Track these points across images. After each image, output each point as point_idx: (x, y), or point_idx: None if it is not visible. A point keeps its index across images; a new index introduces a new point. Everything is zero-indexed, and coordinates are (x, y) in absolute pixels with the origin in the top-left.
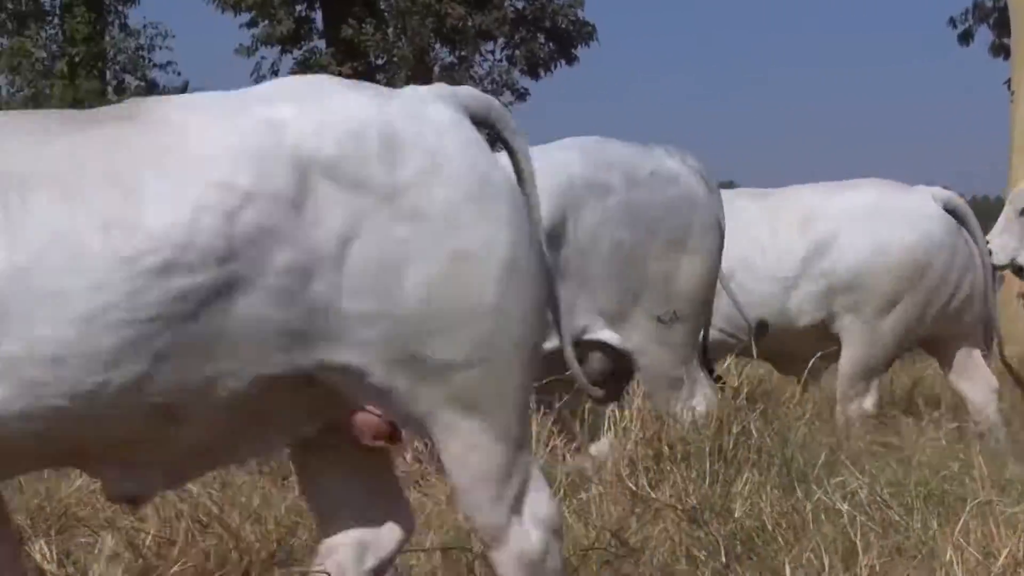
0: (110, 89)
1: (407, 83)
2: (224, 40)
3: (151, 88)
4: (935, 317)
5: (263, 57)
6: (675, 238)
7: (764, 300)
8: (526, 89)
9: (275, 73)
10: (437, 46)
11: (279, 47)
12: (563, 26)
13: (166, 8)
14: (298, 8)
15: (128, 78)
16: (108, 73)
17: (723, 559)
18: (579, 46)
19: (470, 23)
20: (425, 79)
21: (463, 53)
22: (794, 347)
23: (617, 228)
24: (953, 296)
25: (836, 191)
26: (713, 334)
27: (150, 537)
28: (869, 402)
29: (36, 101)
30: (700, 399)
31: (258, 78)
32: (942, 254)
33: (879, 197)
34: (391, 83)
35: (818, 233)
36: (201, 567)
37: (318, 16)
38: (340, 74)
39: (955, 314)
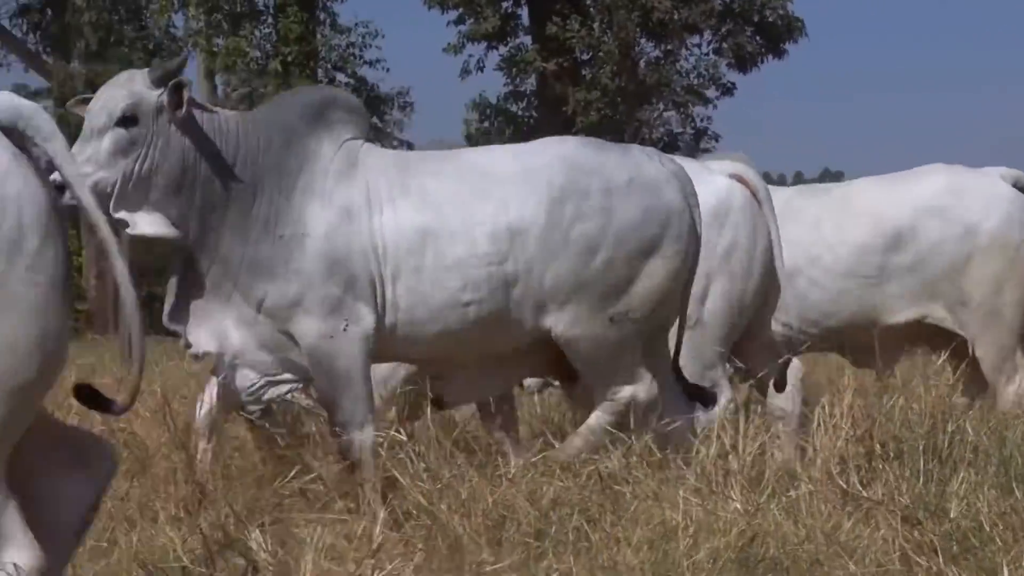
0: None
1: (612, 78)
2: (432, 37)
3: (361, 85)
4: None
5: (470, 55)
6: (645, 246)
7: (839, 296)
8: (733, 83)
9: (480, 70)
10: (643, 40)
11: (485, 44)
12: (771, 20)
13: (374, 5)
14: (504, 5)
15: (339, 76)
16: (320, 71)
17: (939, 559)
18: (788, 41)
19: (676, 16)
20: (631, 73)
21: (669, 47)
22: (878, 341)
23: (589, 232)
24: None
25: (904, 181)
26: (779, 330)
27: (361, 528)
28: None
29: (250, 100)
30: (642, 387)
31: (464, 75)
32: None
33: (950, 182)
34: (595, 79)
35: (895, 226)
36: (410, 559)
37: (524, 12)
38: (545, 71)
39: None
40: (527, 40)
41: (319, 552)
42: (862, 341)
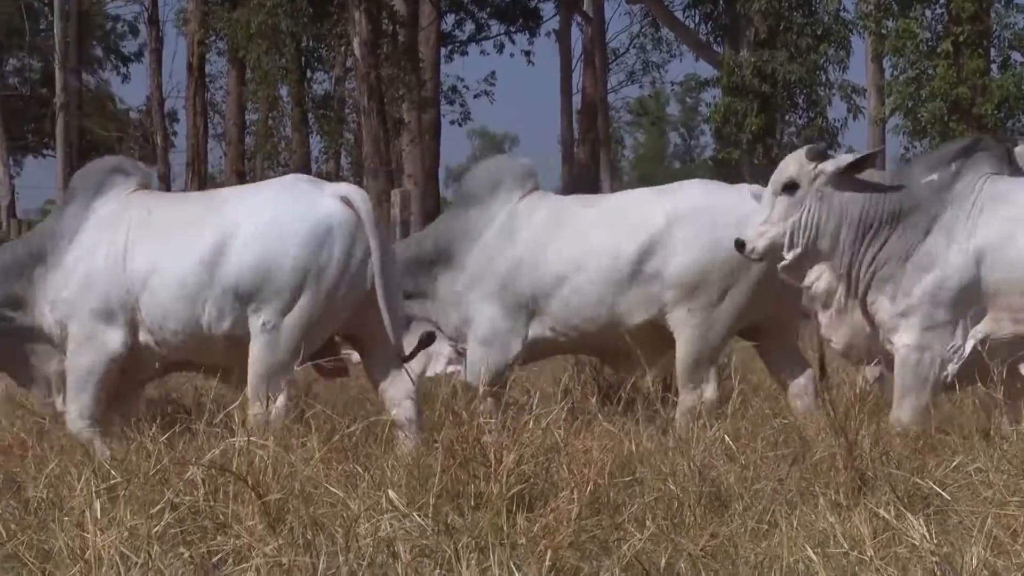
0: (994, 67)
1: None
2: None
3: None
4: (767, 302)
5: None
6: None
7: (597, 301)
8: None
9: None
10: None
11: None
12: None
13: None
14: None
15: (1014, 55)
16: (992, 51)
17: None
18: None
19: None
20: None
21: None
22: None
23: None
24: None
25: (664, 193)
26: (543, 333)
27: None
28: (710, 390)
29: (918, 82)
30: None
31: None
32: None
33: (704, 197)
34: None
35: (649, 235)
36: None
37: None
38: None
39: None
40: None
41: (984, 545)
42: (620, 345)
